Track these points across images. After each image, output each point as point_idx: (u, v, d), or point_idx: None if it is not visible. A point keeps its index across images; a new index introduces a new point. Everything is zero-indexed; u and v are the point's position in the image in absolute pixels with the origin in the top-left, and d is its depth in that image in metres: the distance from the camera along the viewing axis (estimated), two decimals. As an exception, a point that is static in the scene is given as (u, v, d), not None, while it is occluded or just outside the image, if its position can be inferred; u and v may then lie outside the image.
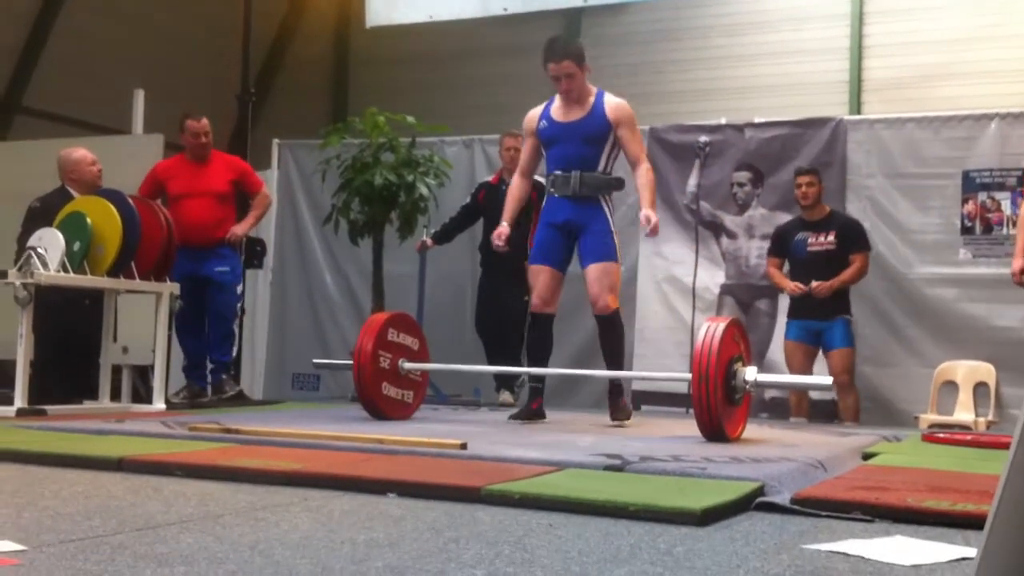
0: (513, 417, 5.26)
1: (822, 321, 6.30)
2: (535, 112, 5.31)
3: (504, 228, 5.32)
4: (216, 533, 2.24)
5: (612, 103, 5.12)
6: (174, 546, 2.08)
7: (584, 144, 5.09)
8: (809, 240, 6.38)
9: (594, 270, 5.07)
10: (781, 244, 6.55)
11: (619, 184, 5.23)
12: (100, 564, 1.88)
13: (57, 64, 11.16)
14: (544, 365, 5.29)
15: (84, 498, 2.70)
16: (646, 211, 5.07)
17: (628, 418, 5.11)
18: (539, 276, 5.23)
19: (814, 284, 6.25)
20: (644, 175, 5.17)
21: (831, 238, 6.34)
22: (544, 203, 5.31)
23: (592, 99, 5.14)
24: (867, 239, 6.43)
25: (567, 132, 5.13)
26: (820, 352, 6.39)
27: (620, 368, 5.25)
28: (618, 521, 2.49)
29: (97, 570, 1.83)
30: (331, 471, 3.08)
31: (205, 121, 6.61)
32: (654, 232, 5.12)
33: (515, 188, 5.47)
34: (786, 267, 6.57)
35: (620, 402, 5.17)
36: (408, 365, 5.27)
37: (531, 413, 5.23)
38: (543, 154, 5.32)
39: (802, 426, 5.83)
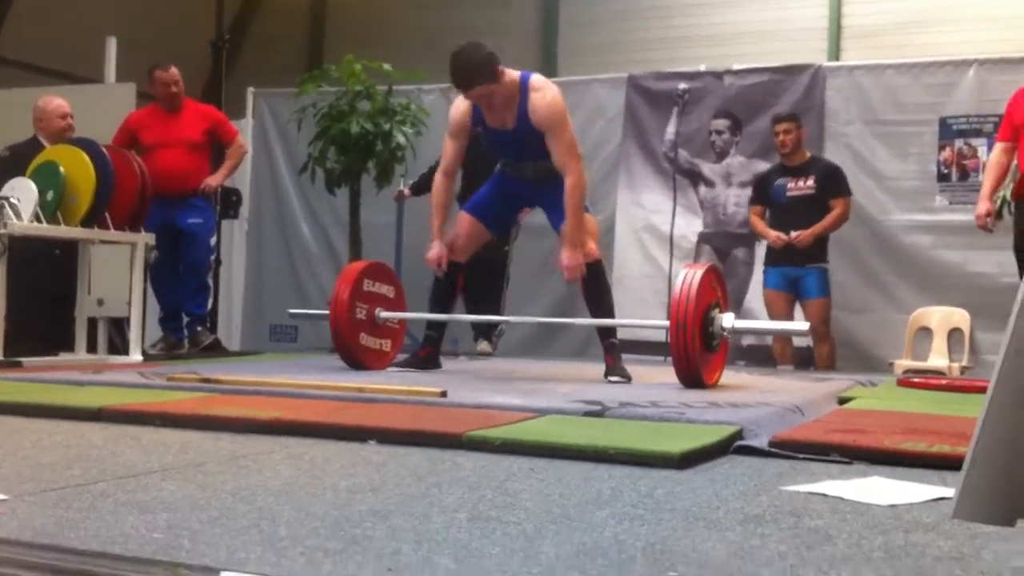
0: (397, 365, 5.15)
1: (798, 267, 6.32)
2: (463, 114, 4.81)
3: (438, 250, 4.89)
4: (198, 481, 2.24)
5: (536, 106, 4.60)
6: (156, 494, 2.08)
7: (527, 142, 4.69)
8: (788, 185, 6.38)
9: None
10: (762, 191, 6.56)
11: None
12: (82, 512, 1.87)
13: (29, 13, 10.98)
14: (446, 311, 5.10)
15: (64, 448, 2.69)
16: (564, 252, 4.66)
17: (628, 379, 4.65)
18: (463, 223, 5.01)
19: (793, 234, 6.26)
20: (569, 192, 4.60)
21: (810, 183, 6.34)
22: (497, 168, 5.05)
23: (517, 100, 4.64)
24: (847, 184, 6.43)
25: (505, 137, 4.76)
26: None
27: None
28: (598, 465, 2.51)
29: (79, 517, 1.83)
30: (311, 419, 3.08)
31: (174, 70, 6.52)
32: (571, 278, 4.75)
33: (440, 192, 4.95)
34: (768, 214, 6.56)
35: (619, 359, 4.80)
36: (385, 314, 5.25)
37: (418, 361, 5.09)
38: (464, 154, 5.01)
39: (783, 373, 5.87)
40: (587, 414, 3.28)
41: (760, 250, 7.00)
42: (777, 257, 6.39)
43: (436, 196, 4.97)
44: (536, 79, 4.70)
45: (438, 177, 4.99)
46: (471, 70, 4.57)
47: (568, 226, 4.67)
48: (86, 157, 5.43)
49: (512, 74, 4.67)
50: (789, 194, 6.37)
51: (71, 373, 4.53)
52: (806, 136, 6.54)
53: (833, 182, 6.36)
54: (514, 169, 4.93)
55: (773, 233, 6.37)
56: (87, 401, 3.44)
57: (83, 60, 9.38)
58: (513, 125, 4.70)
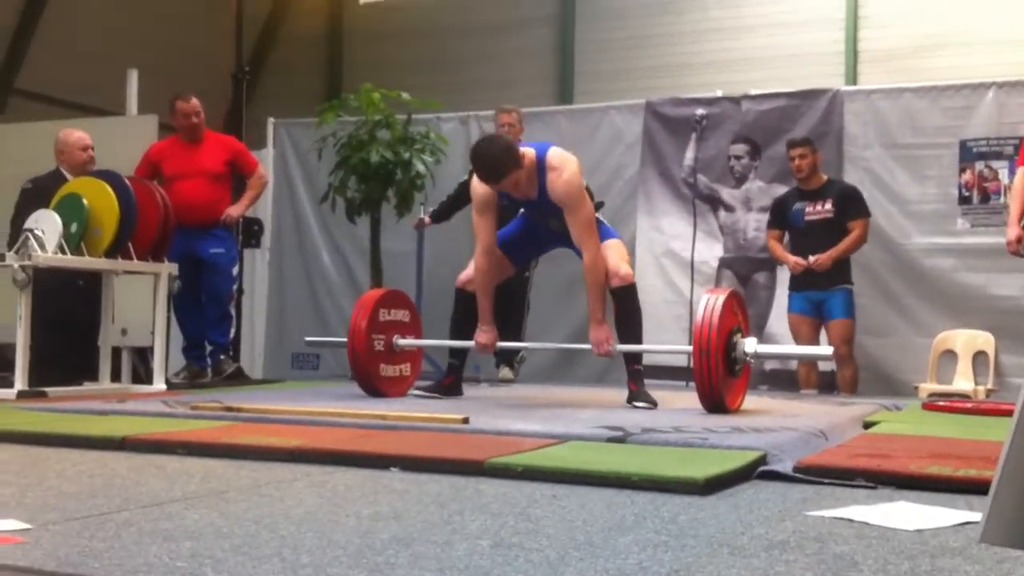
0: (421, 390, 5.15)
1: (822, 291, 6.28)
2: (487, 191, 4.73)
3: (490, 334, 4.90)
4: (221, 509, 2.24)
5: (553, 186, 4.62)
6: (179, 522, 2.08)
7: (550, 206, 4.71)
8: (807, 209, 6.36)
9: (605, 246, 4.77)
10: (780, 215, 6.53)
11: (599, 207, 4.95)
12: (106, 541, 1.88)
13: (50, 45, 11.10)
14: (468, 338, 5.03)
15: (88, 477, 2.70)
16: (593, 332, 4.69)
17: (654, 405, 4.59)
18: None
19: (811, 259, 6.22)
20: (587, 269, 4.65)
21: (828, 206, 6.31)
22: (523, 211, 5.05)
23: (535, 177, 4.66)
24: (865, 205, 6.39)
25: (529, 204, 4.82)
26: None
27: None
28: (621, 491, 2.50)
29: (103, 547, 1.83)
30: (334, 447, 3.09)
31: (195, 101, 6.58)
32: (606, 355, 4.77)
33: (483, 274, 4.86)
34: (787, 239, 6.54)
35: (642, 385, 4.74)
36: (403, 342, 5.27)
37: (442, 388, 5.11)
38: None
39: (806, 397, 5.84)
40: (609, 440, 3.27)
41: (782, 274, 6.98)
42: (801, 281, 6.35)
43: (480, 277, 4.88)
44: (552, 156, 4.67)
45: (479, 257, 4.88)
46: (494, 168, 4.57)
47: (590, 302, 4.71)
48: (109, 189, 5.47)
49: (529, 154, 4.65)
50: (807, 218, 6.34)
51: (95, 403, 4.55)
52: (822, 160, 6.52)
53: (851, 204, 6.34)
54: (539, 221, 4.95)
55: (792, 258, 6.33)
56: (111, 430, 3.46)
57: (105, 92, 9.48)
58: (536, 197, 4.73)
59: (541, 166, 4.66)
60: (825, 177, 6.47)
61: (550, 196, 4.66)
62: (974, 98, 6.83)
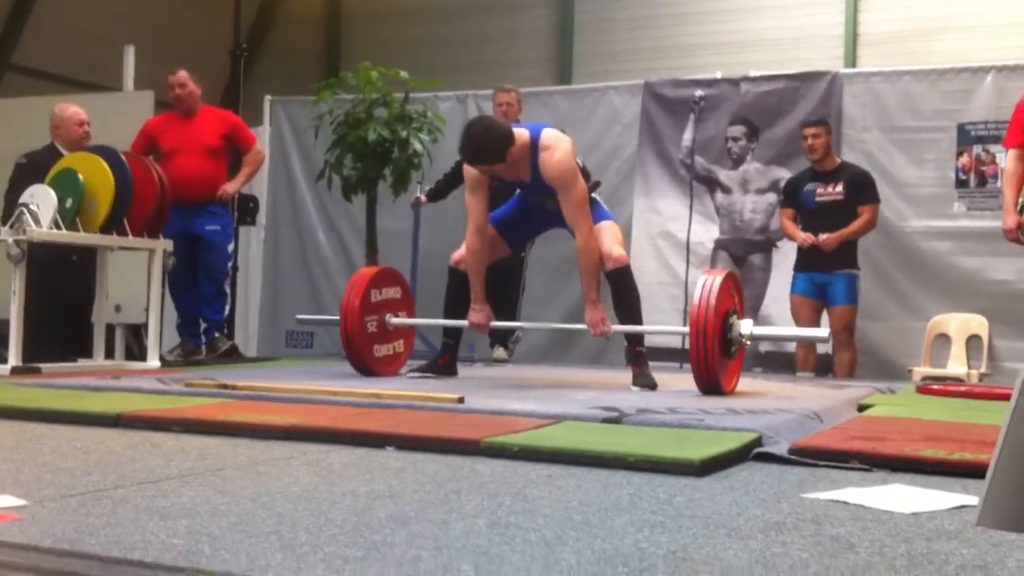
0: (416, 370, 5.13)
1: (827, 274, 6.26)
2: (479, 172, 4.72)
3: (483, 313, 4.89)
4: (217, 486, 2.24)
5: (545, 166, 4.59)
6: (175, 499, 2.08)
7: (544, 187, 4.68)
8: (818, 191, 6.33)
9: (598, 228, 4.75)
10: (792, 195, 6.50)
11: (596, 187, 4.95)
12: (102, 518, 1.88)
13: (47, 21, 11.02)
14: (462, 317, 5.00)
15: (83, 453, 2.70)
16: (588, 313, 4.68)
17: (654, 387, 4.57)
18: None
19: (821, 237, 6.22)
20: (580, 251, 4.65)
21: (839, 188, 6.29)
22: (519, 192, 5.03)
23: (528, 158, 4.61)
24: (875, 191, 6.37)
25: (523, 185, 4.82)
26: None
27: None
28: (617, 472, 2.51)
29: (99, 523, 1.83)
30: (330, 425, 3.09)
31: (182, 73, 6.55)
32: (602, 335, 4.77)
33: (476, 252, 4.82)
34: (799, 220, 6.50)
35: (644, 368, 4.73)
36: (395, 320, 5.26)
37: (437, 368, 5.10)
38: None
39: (802, 380, 5.84)
40: (605, 420, 3.27)
41: (777, 257, 6.98)
42: (806, 262, 6.33)
43: (472, 257, 4.85)
44: (545, 137, 4.63)
45: (471, 236, 4.84)
46: (478, 152, 4.57)
47: (584, 284, 4.71)
48: (105, 164, 5.45)
49: (523, 136, 4.62)
50: (818, 199, 6.32)
51: (89, 379, 4.55)
52: (833, 141, 6.50)
53: (862, 189, 6.32)
54: (534, 201, 4.93)
55: (802, 234, 6.31)
56: (106, 407, 3.45)
57: (101, 69, 9.43)
58: (529, 178, 4.70)
59: (535, 147, 4.63)
60: (839, 160, 6.45)
61: (542, 176, 4.64)
62: (973, 82, 6.82)
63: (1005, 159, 5.87)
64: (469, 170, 4.77)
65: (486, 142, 4.55)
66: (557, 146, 4.62)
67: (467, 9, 11.83)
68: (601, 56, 11.28)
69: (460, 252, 4.99)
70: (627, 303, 4.78)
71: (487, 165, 4.62)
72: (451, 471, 2.50)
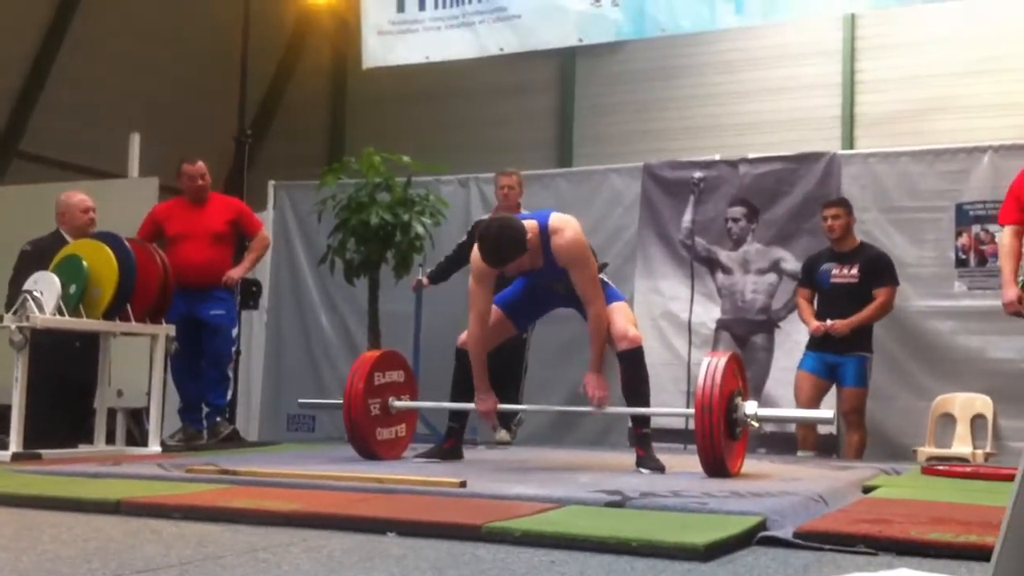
0: (421, 456, 5.08)
1: (838, 355, 6.22)
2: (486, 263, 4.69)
3: (489, 401, 4.89)
4: (217, 575, 2.22)
5: (559, 249, 4.63)
6: (174, 588, 2.06)
7: (554, 273, 4.74)
8: (833, 271, 6.32)
9: (612, 310, 4.76)
10: (808, 274, 6.50)
11: (603, 268, 5.01)
12: (99, 607, 1.86)
13: (54, 109, 11.19)
14: (469, 401, 4.98)
15: (82, 541, 2.68)
16: (588, 378, 4.72)
17: (662, 470, 4.53)
18: (492, 317, 4.91)
19: (829, 323, 6.19)
20: (593, 321, 4.70)
21: (854, 271, 6.27)
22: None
23: (540, 246, 4.65)
24: (893, 273, 6.34)
25: (532, 273, 4.80)
26: (833, 386, 6.33)
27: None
28: (620, 557, 2.48)
29: (96, 613, 1.81)
30: (330, 511, 3.06)
31: (201, 164, 6.64)
32: (600, 404, 4.74)
33: (477, 342, 4.83)
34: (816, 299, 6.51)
35: (650, 450, 4.71)
36: (398, 404, 5.24)
37: (442, 452, 5.07)
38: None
39: (805, 460, 5.80)
40: (608, 504, 3.24)
41: (780, 337, 6.99)
42: (818, 343, 6.30)
43: (475, 346, 4.84)
44: (553, 221, 4.67)
45: (474, 326, 4.83)
46: (499, 256, 4.59)
47: (592, 354, 4.72)
48: (109, 251, 5.49)
49: (533, 227, 4.65)
50: (833, 280, 6.31)
51: (90, 465, 4.52)
52: (855, 223, 6.49)
53: (877, 271, 6.28)
54: (542, 284, 4.93)
55: (815, 322, 6.27)
56: (106, 494, 3.43)
57: (106, 155, 9.55)
58: (542, 263, 4.71)
59: (544, 236, 4.66)
60: (859, 241, 6.45)
61: (555, 259, 4.67)
62: (970, 162, 6.89)
63: (1000, 235, 5.90)
64: (477, 262, 4.75)
65: (505, 243, 4.56)
66: (567, 226, 4.67)
67: (469, 93, 12.00)
68: (601, 139, 11.43)
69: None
70: (636, 385, 4.76)
71: (508, 265, 4.64)
72: (453, 557, 2.48)
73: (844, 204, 6.45)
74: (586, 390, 4.75)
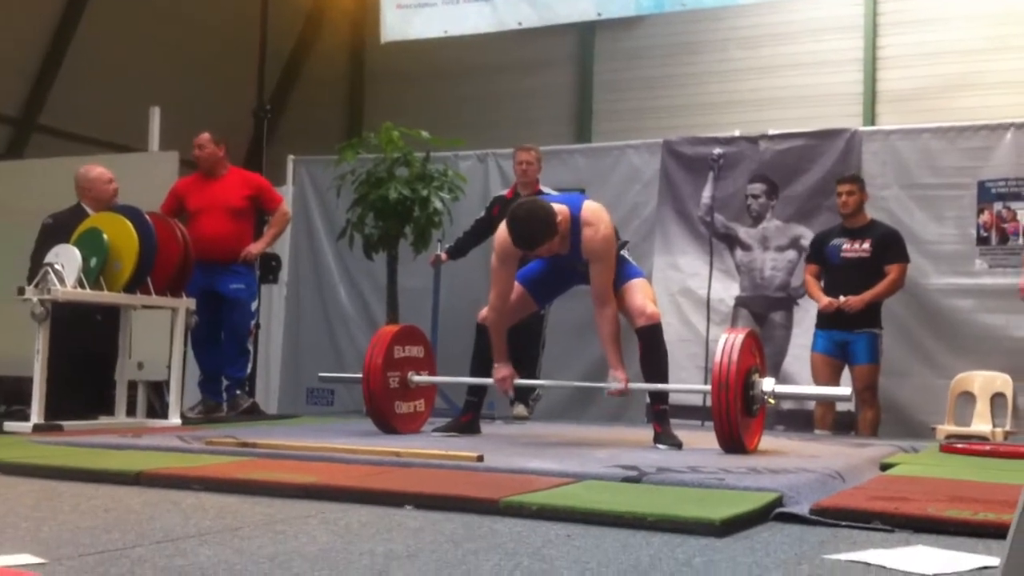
0: (439, 430, 5.11)
1: (848, 332, 6.20)
2: (512, 243, 4.64)
3: (506, 371, 4.89)
4: (235, 546, 2.24)
5: (590, 243, 4.64)
6: (193, 559, 2.08)
7: (579, 260, 4.75)
8: (844, 246, 6.30)
9: (632, 286, 4.79)
10: (818, 250, 6.48)
11: (624, 245, 4.97)
12: (119, 576, 1.88)
13: (73, 83, 11.23)
14: (488, 375, 4.99)
15: (103, 512, 2.71)
16: (614, 372, 4.68)
17: (680, 446, 4.52)
18: (514, 292, 4.91)
19: (842, 299, 6.17)
20: (609, 320, 4.66)
21: (866, 246, 6.25)
22: None
23: (569, 234, 4.64)
24: (904, 250, 6.32)
25: (558, 260, 4.82)
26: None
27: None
28: (636, 532, 2.49)
29: (117, 582, 1.83)
30: (348, 484, 3.08)
31: (204, 135, 6.66)
32: (618, 394, 4.74)
33: (498, 318, 4.84)
34: (824, 276, 6.48)
35: (667, 426, 4.71)
36: (417, 378, 5.26)
37: (460, 426, 5.08)
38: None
39: (823, 438, 5.80)
40: (624, 479, 3.25)
41: (798, 314, 6.96)
42: (827, 320, 6.29)
43: (495, 320, 4.86)
44: (587, 212, 4.66)
45: (495, 302, 4.84)
46: (531, 238, 4.56)
47: (610, 355, 4.70)
48: (129, 224, 5.52)
49: (564, 212, 4.63)
50: (843, 255, 6.29)
51: (110, 437, 4.57)
52: (868, 199, 6.48)
53: (889, 247, 6.26)
54: (566, 264, 4.91)
55: (825, 298, 6.25)
56: (126, 465, 3.46)
57: (127, 130, 9.58)
58: (567, 252, 4.71)
59: (575, 224, 4.65)
60: (870, 217, 6.42)
61: (582, 250, 4.67)
62: (993, 139, 6.83)
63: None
64: (503, 242, 4.74)
65: (535, 227, 4.55)
66: (600, 221, 4.66)
67: (487, 68, 11.97)
68: (620, 114, 11.39)
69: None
70: (654, 361, 4.76)
71: (537, 248, 4.62)
72: (469, 531, 2.49)
73: (858, 180, 6.43)
74: (613, 389, 4.70)
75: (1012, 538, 1.56)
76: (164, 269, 5.67)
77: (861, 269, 6.23)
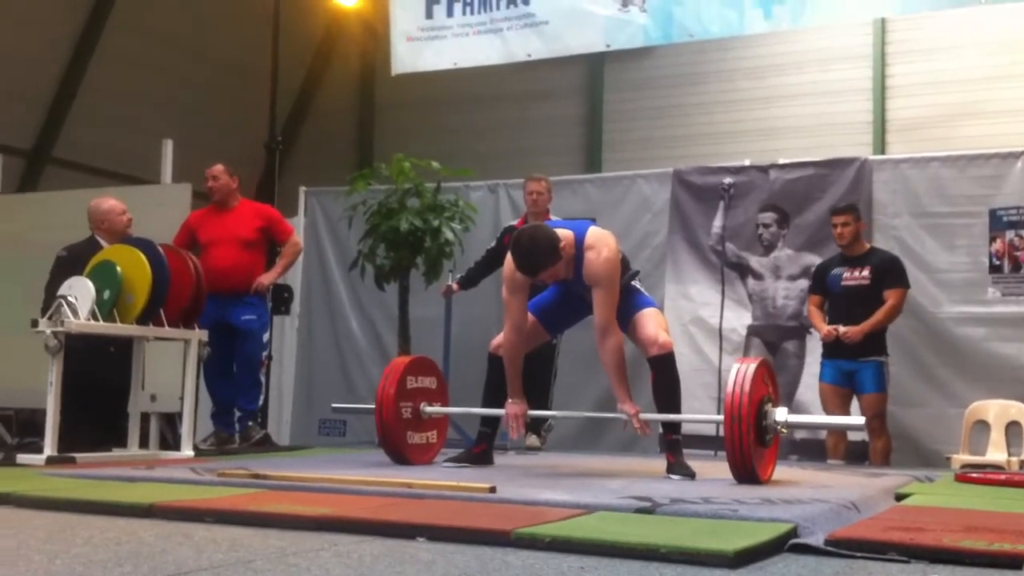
0: (452, 461, 5.07)
1: (853, 361, 6.21)
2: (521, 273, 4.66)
3: (520, 406, 4.84)
4: (247, 578, 2.23)
5: (592, 263, 4.60)
6: (206, 592, 2.08)
7: (585, 287, 4.70)
8: (844, 275, 6.32)
9: (643, 315, 4.77)
10: (819, 280, 6.50)
11: (635, 275, 4.98)
12: (133, 610, 1.88)
13: (86, 115, 11.33)
14: (500, 406, 4.95)
15: (115, 545, 2.70)
16: (622, 406, 4.63)
17: (693, 476, 4.51)
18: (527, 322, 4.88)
19: (842, 329, 6.17)
20: (613, 351, 4.60)
21: (865, 273, 6.27)
22: None
23: (574, 259, 4.65)
24: (904, 276, 6.34)
25: (567, 289, 4.83)
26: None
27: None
28: (649, 564, 2.47)
29: (130, 616, 1.83)
30: (360, 516, 3.07)
31: (218, 166, 6.70)
32: (642, 431, 4.66)
33: (513, 351, 4.80)
34: (827, 305, 6.48)
35: (680, 456, 4.69)
36: (430, 409, 5.25)
37: (472, 457, 5.06)
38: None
39: (837, 468, 5.76)
40: (638, 511, 3.23)
41: (811, 343, 6.95)
42: (832, 350, 6.30)
43: (510, 352, 4.83)
44: (591, 236, 4.65)
45: (510, 334, 4.81)
46: (535, 264, 4.56)
47: (616, 389, 4.69)
48: (143, 256, 5.54)
49: (568, 237, 4.64)
50: (844, 283, 6.31)
51: (123, 469, 4.57)
52: (865, 228, 6.50)
53: (888, 273, 6.28)
54: (573, 292, 4.90)
55: (825, 328, 6.28)
56: (139, 498, 3.46)
57: (139, 162, 9.65)
58: (573, 277, 4.71)
59: (579, 250, 4.65)
60: (868, 245, 6.45)
61: (584, 275, 4.65)
62: (1004, 167, 6.83)
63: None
64: (511, 271, 4.74)
65: (538, 253, 4.54)
66: (604, 245, 4.63)
67: (497, 98, 12.04)
68: (629, 144, 11.43)
69: (499, 338, 4.97)
70: (667, 390, 4.73)
71: (542, 273, 4.62)
72: (481, 563, 2.48)
73: (853, 210, 6.44)
74: (633, 425, 4.63)
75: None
76: (177, 301, 5.69)
77: (862, 297, 6.24)
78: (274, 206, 7.32)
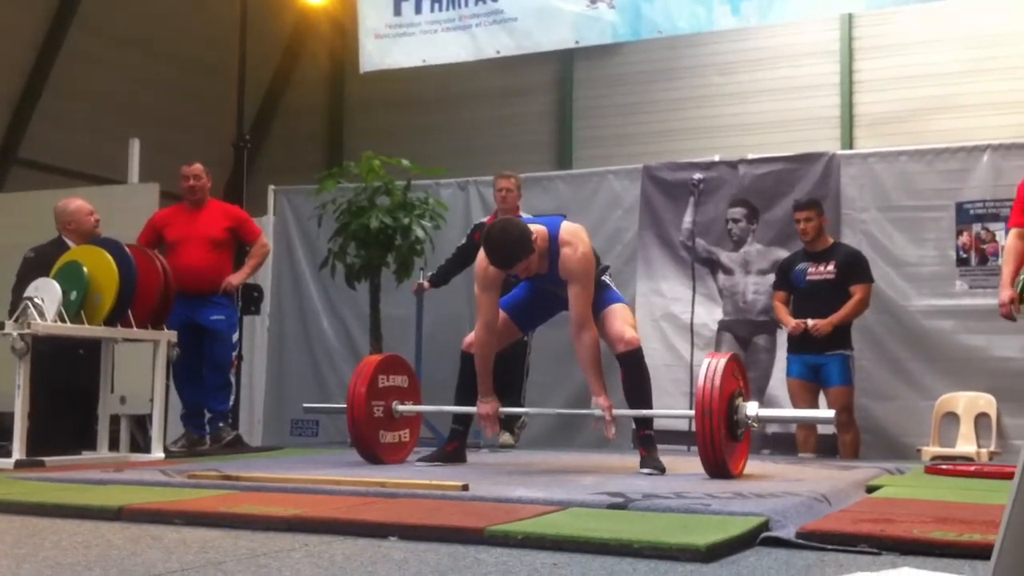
0: (424, 459, 5.07)
1: (819, 355, 6.25)
2: (495, 270, 4.70)
3: (491, 405, 4.87)
4: (218, 580, 2.22)
5: (567, 260, 4.63)
6: (175, 594, 2.06)
7: (559, 282, 4.74)
8: (809, 270, 6.36)
9: (611, 312, 4.80)
10: (784, 275, 6.53)
11: (605, 271, 5.02)
12: (101, 614, 1.86)
13: (52, 115, 11.20)
14: (472, 403, 4.96)
15: (84, 548, 2.68)
16: (596, 399, 4.65)
17: (663, 471, 4.54)
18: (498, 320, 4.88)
19: (811, 323, 6.21)
20: (583, 349, 4.63)
21: (831, 268, 6.31)
22: None
23: (547, 254, 4.68)
24: (868, 271, 6.40)
25: (538, 277, 4.81)
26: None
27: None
28: (623, 559, 2.48)
29: (98, 620, 1.81)
30: (332, 515, 3.06)
31: (197, 166, 6.66)
32: (608, 432, 4.68)
33: (484, 348, 4.81)
34: (791, 301, 6.52)
35: (653, 451, 4.71)
36: (402, 408, 5.24)
37: (445, 455, 5.06)
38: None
39: (808, 461, 5.80)
40: (610, 506, 3.24)
41: (782, 337, 6.97)
42: (798, 344, 6.34)
43: (481, 350, 4.83)
44: (564, 232, 4.69)
45: (481, 332, 4.82)
46: (507, 257, 4.58)
47: (590, 379, 4.70)
48: (109, 257, 5.49)
49: (542, 233, 4.66)
50: (809, 278, 6.35)
51: (93, 472, 4.53)
52: (828, 223, 6.54)
53: (853, 268, 6.34)
54: (546, 288, 4.92)
55: (792, 321, 6.32)
56: (108, 500, 3.43)
57: (106, 162, 9.56)
58: (547, 271, 4.73)
59: (553, 244, 4.67)
60: (831, 240, 6.49)
61: (560, 270, 4.67)
62: (970, 161, 6.88)
63: (1005, 237, 5.90)
64: (483, 268, 4.75)
65: (509, 246, 4.56)
66: (579, 241, 4.67)
67: (467, 96, 12.01)
68: (600, 141, 11.43)
69: (472, 336, 4.97)
70: (637, 387, 4.76)
71: (515, 266, 4.62)
72: (454, 561, 2.48)
73: (815, 206, 6.47)
74: (604, 423, 4.66)
75: (996, 558, 1.56)
76: (145, 301, 5.64)
77: (827, 291, 6.28)
78: (243, 205, 7.28)
